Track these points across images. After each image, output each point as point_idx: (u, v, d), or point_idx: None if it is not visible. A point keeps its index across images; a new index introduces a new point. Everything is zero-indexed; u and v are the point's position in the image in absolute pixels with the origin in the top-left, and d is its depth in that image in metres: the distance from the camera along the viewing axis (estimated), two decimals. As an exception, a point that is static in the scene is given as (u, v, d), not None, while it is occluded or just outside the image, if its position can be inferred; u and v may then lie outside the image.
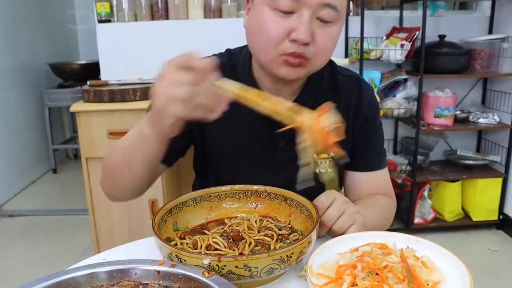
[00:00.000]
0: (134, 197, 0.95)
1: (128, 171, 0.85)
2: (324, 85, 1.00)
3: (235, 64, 0.97)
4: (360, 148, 1.03)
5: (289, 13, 0.81)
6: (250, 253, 0.72)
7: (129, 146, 0.84)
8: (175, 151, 0.98)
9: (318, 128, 0.70)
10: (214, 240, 0.74)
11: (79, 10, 4.54)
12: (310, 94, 0.97)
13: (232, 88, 0.71)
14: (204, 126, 0.98)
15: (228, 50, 1.03)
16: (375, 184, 1.04)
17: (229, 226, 0.82)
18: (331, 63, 1.03)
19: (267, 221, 0.83)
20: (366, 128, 1.02)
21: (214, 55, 1.01)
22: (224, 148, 0.99)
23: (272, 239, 0.77)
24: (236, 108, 0.91)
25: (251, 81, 0.93)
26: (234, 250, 0.73)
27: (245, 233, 0.78)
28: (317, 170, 0.99)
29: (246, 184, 0.89)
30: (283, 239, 0.78)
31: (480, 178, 2.71)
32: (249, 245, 0.74)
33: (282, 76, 0.88)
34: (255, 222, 0.82)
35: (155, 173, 0.91)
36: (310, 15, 0.80)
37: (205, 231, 0.81)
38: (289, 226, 0.83)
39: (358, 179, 1.04)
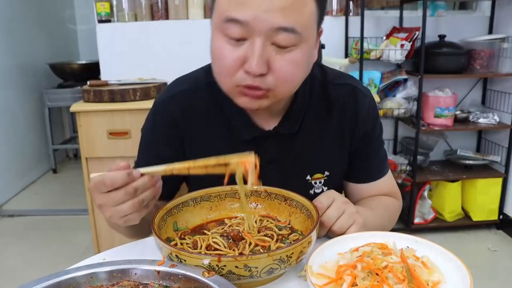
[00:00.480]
0: (145, 237, 0.93)
1: (125, 230, 0.89)
2: (314, 99, 0.93)
3: (214, 80, 0.85)
4: (360, 161, 0.98)
5: (241, 39, 0.73)
6: (250, 253, 0.72)
7: (119, 230, 0.89)
8: (171, 189, 0.97)
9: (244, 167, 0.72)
10: (214, 240, 0.74)
11: (79, 10, 4.54)
12: (296, 117, 0.90)
13: (159, 169, 0.73)
14: (186, 154, 0.94)
15: (205, 68, 0.94)
16: (379, 191, 1.01)
17: (229, 226, 0.82)
18: (322, 70, 0.96)
19: (267, 221, 0.83)
20: (365, 141, 0.97)
21: (195, 73, 0.96)
22: (205, 179, 0.89)
23: (272, 239, 0.77)
24: (221, 133, 0.91)
25: (230, 99, 0.85)
26: (234, 250, 0.73)
27: (245, 233, 0.78)
28: (311, 191, 0.96)
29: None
30: (283, 239, 0.78)
31: (480, 178, 2.71)
32: (249, 245, 0.74)
33: (243, 107, 0.83)
34: (255, 222, 0.82)
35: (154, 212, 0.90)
36: (262, 42, 0.72)
37: (205, 231, 0.81)
38: (289, 226, 0.83)
39: (360, 189, 1.01)
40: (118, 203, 0.70)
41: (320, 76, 0.95)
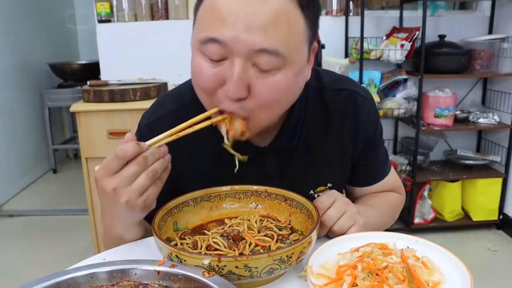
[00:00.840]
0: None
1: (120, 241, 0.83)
2: (311, 110, 0.87)
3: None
4: (365, 167, 0.96)
5: (220, 60, 0.68)
6: (250, 253, 0.72)
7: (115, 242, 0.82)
8: (168, 197, 0.88)
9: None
10: (214, 240, 0.74)
11: (79, 10, 4.54)
12: (292, 131, 0.86)
13: (163, 136, 0.72)
14: (179, 178, 0.87)
15: (188, 82, 0.88)
16: (382, 189, 1.00)
17: (229, 226, 0.82)
18: (317, 76, 0.90)
19: (267, 221, 0.83)
20: (368, 146, 0.93)
21: (179, 90, 0.92)
22: (195, 183, 0.86)
23: (272, 239, 0.77)
24: (215, 153, 0.85)
25: None
26: (234, 250, 0.73)
27: (245, 233, 0.78)
28: None
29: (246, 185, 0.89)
30: (283, 239, 0.78)
31: (480, 178, 2.71)
32: (249, 245, 0.74)
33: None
34: (255, 222, 0.82)
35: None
36: (242, 64, 0.66)
37: (205, 231, 0.81)
38: (289, 226, 0.83)
39: (366, 191, 1.00)
40: (133, 177, 0.66)
41: (315, 84, 0.89)
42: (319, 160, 0.91)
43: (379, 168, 0.99)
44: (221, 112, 0.73)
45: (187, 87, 0.88)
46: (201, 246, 0.74)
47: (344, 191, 1.06)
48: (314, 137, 0.89)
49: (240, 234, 0.76)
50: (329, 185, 0.93)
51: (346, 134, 0.90)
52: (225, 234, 0.76)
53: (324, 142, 0.90)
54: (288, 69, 0.69)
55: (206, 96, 0.74)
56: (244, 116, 0.71)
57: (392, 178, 1.02)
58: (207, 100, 0.74)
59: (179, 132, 0.73)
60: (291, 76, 0.70)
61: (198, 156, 0.89)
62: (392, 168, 1.03)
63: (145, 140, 0.78)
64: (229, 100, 0.69)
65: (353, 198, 1.03)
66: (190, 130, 0.73)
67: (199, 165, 0.90)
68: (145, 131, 0.89)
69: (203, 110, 0.79)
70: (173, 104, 0.89)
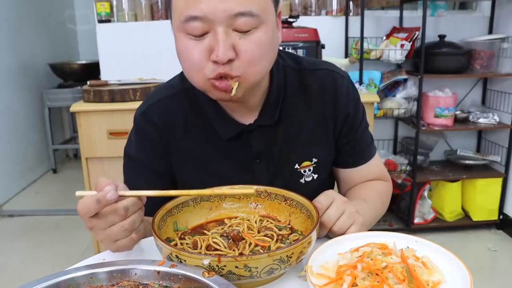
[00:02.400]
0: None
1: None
2: (290, 89, 0.93)
3: (189, 86, 0.87)
4: (348, 146, 0.98)
5: (203, 34, 0.75)
6: (250, 253, 0.72)
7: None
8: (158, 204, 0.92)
9: None
10: (214, 240, 0.74)
11: (79, 10, 4.54)
12: (273, 107, 0.91)
13: (143, 193, 0.73)
14: (173, 162, 0.94)
15: (181, 73, 0.93)
16: (369, 173, 1.02)
17: (229, 226, 0.82)
18: (295, 59, 0.96)
19: (267, 221, 0.83)
20: (349, 124, 0.96)
21: (169, 82, 0.97)
22: (201, 178, 0.92)
23: (272, 239, 0.77)
24: (204, 136, 0.92)
25: (207, 100, 0.89)
26: (234, 250, 0.73)
27: (244, 233, 0.78)
28: (302, 180, 0.96)
29: (244, 187, 0.89)
30: (283, 239, 0.78)
31: (480, 178, 2.71)
32: (249, 245, 0.74)
33: (218, 99, 0.85)
34: (255, 222, 0.82)
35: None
36: (224, 30, 0.73)
37: (205, 231, 0.81)
38: (289, 226, 0.83)
39: (351, 174, 1.01)
40: (107, 225, 0.70)
41: (293, 65, 0.95)
42: (302, 136, 0.94)
43: (363, 149, 1.00)
44: (219, 77, 0.77)
45: (177, 78, 0.96)
46: (201, 246, 0.74)
47: (335, 186, 1.07)
48: (296, 114, 0.94)
49: (240, 234, 0.76)
50: (314, 160, 0.96)
51: (327, 111, 0.94)
52: (225, 234, 0.76)
53: (305, 118, 0.94)
54: (264, 27, 0.77)
55: (197, 74, 0.79)
56: (237, 75, 0.77)
57: (377, 164, 1.04)
58: (199, 78, 0.79)
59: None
60: (268, 33, 0.78)
61: (190, 141, 0.94)
62: (377, 155, 1.04)
63: (144, 133, 0.90)
64: (219, 65, 0.75)
65: (342, 188, 1.04)
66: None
67: (190, 149, 0.94)
68: (139, 120, 0.95)
69: (194, 100, 0.91)
70: (164, 93, 0.95)
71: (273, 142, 0.93)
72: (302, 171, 0.96)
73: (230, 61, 0.75)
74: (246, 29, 0.75)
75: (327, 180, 1.03)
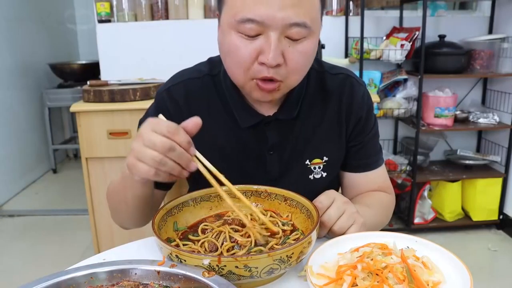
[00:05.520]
0: (142, 225, 0.95)
1: (125, 206, 0.88)
2: (311, 88, 0.97)
3: (216, 73, 0.94)
4: (356, 149, 1.00)
5: (256, 35, 0.78)
6: (249, 254, 0.72)
7: (119, 184, 0.87)
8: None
9: None
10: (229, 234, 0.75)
11: (79, 10, 4.54)
12: (294, 103, 0.94)
13: (208, 165, 0.74)
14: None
15: (209, 59, 1.00)
16: (373, 182, 1.03)
17: (231, 218, 0.82)
18: (318, 62, 1.00)
19: (271, 215, 0.84)
20: (360, 127, 0.99)
21: (196, 66, 1.00)
22: (213, 163, 0.93)
23: (277, 226, 0.78)
24: (222, 122, 0.95)
25: (231, 88, 0.92)
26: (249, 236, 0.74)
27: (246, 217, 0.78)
28: (311, 176, 0.98)
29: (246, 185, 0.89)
30: (285, 236, 0.78)
31: (480, 178, 2.71)
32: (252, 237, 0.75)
33: (256, 99, 0.87)
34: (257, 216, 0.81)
35: (152, 202, 0.91)
36: (277, 37, 0.76)
37: (205, 225, 0.81)
38: (291, 222, 0.83)
39: (356, 179, 1.02)
40: (152, 145, 0.68)
41: (317, 67, 0.98)
42: (317, 134, 0.97)
43: (371, 155, 1.02)
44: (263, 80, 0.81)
45: (204, 64, 0.99)
46: (221, 244, 0.74)
47: (340, 190, 1.08)
48: (313, 112, 0.97)
49: (242, 222, 0.77)
50: (325, 158, 0.98)
51: (342, 112, 0.97)
52: (228, 223, 0.77)
53: (321, 117, 0.97)
54: (312, 37, 0.81)
55: (241, 72, 0.81)
56: (280, 80, 0.81)
57: (383, 176, 1.05)
58: (242, 75, 0.82)
59: None
60: (315, 43, 0.82)
61: (208, 125, 0.92)
62: (384, 167, 1.06)
63: (164, 108, 0.93)
64: (267, 68, 0.79)
65: (346, 195, 1.04)
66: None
67: (207, 132, 0.92)
68: (162, 96, 0.96)
69: (218, 85, 0.94)
70: (190, 74, 0.97)
71: (287, 136, 0.96)
72: (312, 167, 0.97)
73: (277, 66, 0.79)
74: (297, 38, 0.78)
75: (336, 180, 1.04)
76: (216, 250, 0.73)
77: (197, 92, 0.95)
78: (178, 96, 0.94)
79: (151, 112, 0.96)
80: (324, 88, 0.97)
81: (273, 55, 0.76)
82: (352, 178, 1.03)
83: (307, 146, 0.96)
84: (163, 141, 0.67)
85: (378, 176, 1.03)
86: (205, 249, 0.74)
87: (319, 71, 0.98)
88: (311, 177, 0.97)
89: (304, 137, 0.96)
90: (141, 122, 0.97)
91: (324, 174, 0.98)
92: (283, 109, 0.94)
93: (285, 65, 0.80)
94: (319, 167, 0.97)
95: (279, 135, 0.95)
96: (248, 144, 0.95)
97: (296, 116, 0.95)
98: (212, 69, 0.95)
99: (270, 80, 0.81)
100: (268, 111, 0.94)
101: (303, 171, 0.97)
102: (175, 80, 0.97)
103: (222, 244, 0.74)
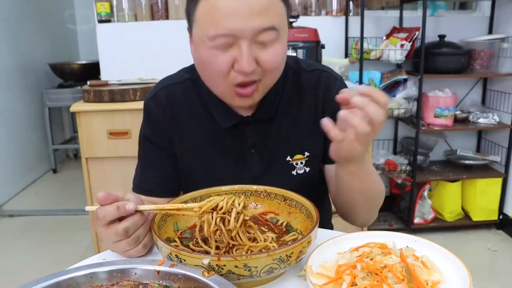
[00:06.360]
0: None
1: None
2: (288, 87, 0.99)
3: (196, 78, 0.96)
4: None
5: (229, 48, 0.81)
6: (249, 253, 0.72)
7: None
8: (175, 182, 1.03)
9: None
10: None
11: (79, 10, 4.54)
12: (271, 103, 0.96)
13: (150, 208, 0.77)
14: (175, 145, 1.00)
15: (192, 65, 1.00)
16: None
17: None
18: (296, 61, 1.02)
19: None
20: (335, 117, 0.95)
21: (178, 72, 1.04)
22: (197, 165, 1.00)
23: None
24: (204, 124, 0.98)
25: (210, 93, 0.93)
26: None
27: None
28: (294, 172, 0.99)
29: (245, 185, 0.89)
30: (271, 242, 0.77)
31: (480, 178, 2.71)
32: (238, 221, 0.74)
33: (238, 106, 0.91)
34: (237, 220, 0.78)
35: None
36: (248, 44, 0.80)
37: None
38: (283, 226, 0.83)
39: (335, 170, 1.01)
40: (114, 241, 0.75)
41: (294, 66, 1.01)
42: (296, 130, 0.99)
43: None
44: (241, 85, 0.85)
45: (183, 70, 1.04)
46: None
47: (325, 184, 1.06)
48: (291, 110, 0.99)
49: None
50: (306, 154, 0.99)
51: (318, 106, 0.99)
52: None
53: (299, 114, 0.99)
54: (281, 40, 0.84)
55: (219, 82, 0.85)
56: (258, 79, 0.84)
57: None
58: (221, 83, 0.85)
59: (167, 209, 0.78)
60: (284, 45, 0.86)
61: (191, 126, 1.00)
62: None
63: (154, 118, 0.99)
64: (244, 74, 0.82)
65: (331, 190, 1.03)
66: (176, 212, 0.78)
67: (191, 133, 1.00)
68: (149, 104, 1.01)
69: (198, 89, 0.98)
70: (171, 80, 1.02)
71: (267, 135, 0.98)
72: (294, 163, 0.99)
73: (252, 71, 0.82)
74: (267, 42, 0.81)
75: (320, 174, 1.04)
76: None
77: (179, 96, 0.99)
78: (163, 101, 0.99)
79: (144, 122, 1.03)
80: (300, 86, 1.00)
81: (247, 63, 0.79)
82: (332, 170, 0.99)
83: (287, 143, 0.99)
84: (115, 233, 0.74)
85: None
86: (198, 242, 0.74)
87: (296, 69, 1.01)
88: (294, 172, 0.99)
89: (283, 134, 0.99)
90: (140, 132, 1.04)
91: (307, 169, 1.00)
92: (261, 109, 0.96)
93: (260, 67, 0.83)
94: (301, 163, 0.99)
95: (259, 134, 0.98)
96: (229, 144, 0.98)
97: (274, 115, 0.98)
98: (193, 74, 0.98)
99: (248, 84, 0.84)
100: (246, 111, 0.97)
101: (285, 167, 0.99)
102: (158, 87, 1.02)
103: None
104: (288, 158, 0.99)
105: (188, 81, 1.00)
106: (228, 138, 0.98)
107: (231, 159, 0.98)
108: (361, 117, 0.71)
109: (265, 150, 0.98)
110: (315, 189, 1.03)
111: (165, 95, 1.00)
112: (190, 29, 0.87)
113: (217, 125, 0.97)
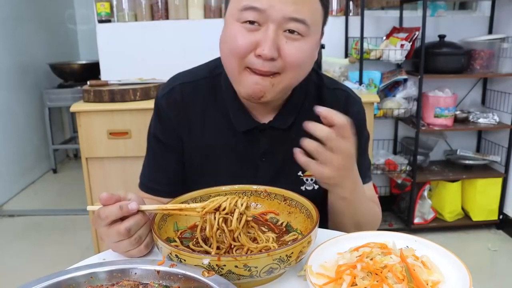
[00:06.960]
0: None
1: None
2: (309, 101, 0.97)
3: (216, 74, 0.95)
4: None
5: (256, 30, 0.80)
6: (249, 253, 0.72)
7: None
8: (182, 183, 1.00)
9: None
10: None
11: (79, 10, 4.54)
12: (290, 112, 0.95)
13: (152, 208, 0.77)
14: (184, 145, 0.98)
15: (208, 63, 1.01)
16: None
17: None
18: (318, 75, 1.01)
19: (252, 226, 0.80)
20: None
21: (194, 68, 1.01)
22: (205, 166, 0.98)
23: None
24: (217, 124, 0.96)
25: (231, 91, 0.93)
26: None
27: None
28: (303, 188, 0.98)
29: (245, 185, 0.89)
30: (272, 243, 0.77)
31: (480, 178, 2.71)
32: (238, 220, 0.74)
33: (247, 92, 0.85)
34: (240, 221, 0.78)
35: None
36: (275, 29, 0.79)
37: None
38: (282, 226, 0.83)
39: None
40: (116, 241, 0.74)
41: (316, 80, 1.00)
42: None
43: (360, 170, 0.97)
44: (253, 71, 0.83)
45: (204, 67, 1.01)
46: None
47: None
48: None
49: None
50: None
51: None
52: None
53: None
54: (310, 38, 0.83)
55: (236, 60, 0.83)
56: (276, 72, 0.82)
57: (371, 192, 1.05)
58: (236, 64, 0.83)
59: (169, 209, 0.78)
60: (312, 45, 0.84)
61: (203, 128, 0.98)
62: (372, 185, 1.06)
63: (165, 115, 0.96)
64: (261, 60, 0.80)
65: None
66: (178, 212, 0.78)
67: (202, 135, 0.98)
68: (160, 102, 0.98)
69: (216, 89, 0.96)
70: (187, 78, 1.00)
71: (281, 145, 0.96)
72: (304, 179, 0.98)
73: (272, 60, 0.80)
74: (294, 35, 0.80)
75: (327, 194, 1.02)
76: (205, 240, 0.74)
77: (192, 95, 0.97)
78: (177, 99, 0.97)
79: (154, 121, 1.00)
80: (322, 102, 0.95)
81: (269, 47, 0.78)
82: None
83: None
84: (117, 232, 0.73)
85: (367, 190, 1.01)
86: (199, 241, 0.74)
87: (318, 85, 1.00)
88: (303, 188, 0.98)
89: (298, 147, 0.95)
90: (149, 130, 1.02)
91: (316, 187, 0.98)
92: (278, 117, 0.95)
93: (281, 59, 0.81)
94: (312, 179, 0.98)
95: (272, 143, 0.96)
96: (241, 148, 0.96)
97: (291, 126, 0.96)
98: (212, 71, 0.97)
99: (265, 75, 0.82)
100: (264, 118, 0.95)
101: (295, 181, 0.97)
102: (171, 85, 0.99)
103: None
104: (300, 173, 0.97)
105: (203, 79, 0.98)
106: (240, 143, 0.96)
107: (241, 163, 0.97)
108: (325, 149, 0.76)
109: (276, 161, 0.97)
110: (319, 207, 1.00)
111: (180, 93, 0.97)
112: (225, 11, 0.87)
113: (230, 128, 0.95)
